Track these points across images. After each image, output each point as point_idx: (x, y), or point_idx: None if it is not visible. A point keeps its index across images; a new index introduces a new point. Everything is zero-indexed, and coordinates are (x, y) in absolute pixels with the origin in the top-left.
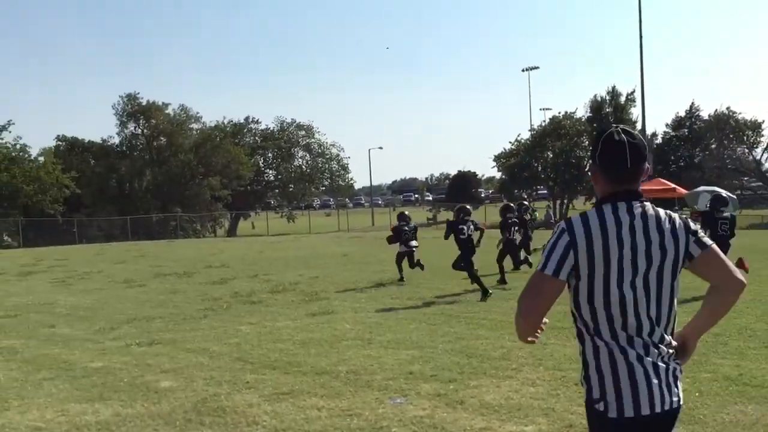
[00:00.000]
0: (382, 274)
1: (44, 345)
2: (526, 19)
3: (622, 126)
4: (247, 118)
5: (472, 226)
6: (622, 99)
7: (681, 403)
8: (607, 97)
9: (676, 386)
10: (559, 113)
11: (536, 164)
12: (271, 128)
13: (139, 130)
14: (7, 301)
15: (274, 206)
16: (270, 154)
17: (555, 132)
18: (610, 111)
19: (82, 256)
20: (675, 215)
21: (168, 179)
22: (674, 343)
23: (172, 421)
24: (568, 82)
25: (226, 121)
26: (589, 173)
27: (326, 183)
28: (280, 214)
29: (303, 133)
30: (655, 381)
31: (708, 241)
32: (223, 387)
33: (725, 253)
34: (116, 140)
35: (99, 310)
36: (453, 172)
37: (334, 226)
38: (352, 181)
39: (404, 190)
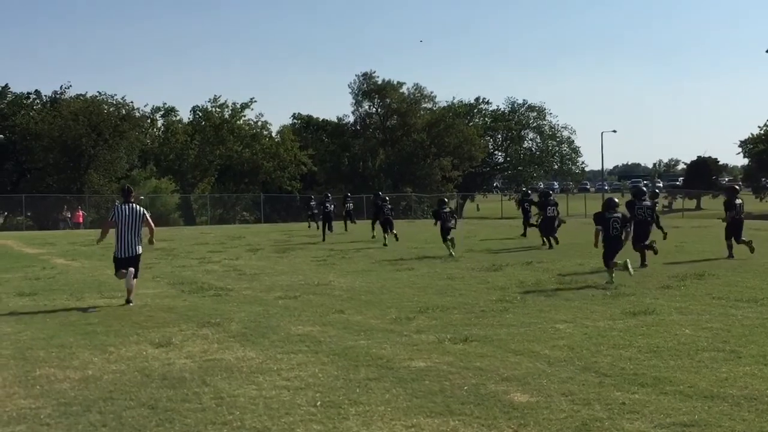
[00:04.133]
0: (677, 268)
1: (344, 334)
2: None
3: (128, 184)
4: (477, 99)
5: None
6: None
7: (138, 253)
8: None
9: (136, 249)
10: None
11: None
12: (502, 109)
13: (374, 109)
14: (280, 280)
15: (500, 188)
16: (500, 136)
17: None
18: None
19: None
20: (140, 207)
21: (400, 159)
22: (140, 245)
23: None
24: None
25: (456, 101)
26: None
27: (556, 166)
28: (508, 196)
29: (534, 114)
30: (124, 248)
31: (149, 219)
32: (594, 408)
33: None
34: (351, 119)
35: (380, 295)
36: (682, 158)
37: (563, 211)
38: (583, 165)
39: (628, 175)
